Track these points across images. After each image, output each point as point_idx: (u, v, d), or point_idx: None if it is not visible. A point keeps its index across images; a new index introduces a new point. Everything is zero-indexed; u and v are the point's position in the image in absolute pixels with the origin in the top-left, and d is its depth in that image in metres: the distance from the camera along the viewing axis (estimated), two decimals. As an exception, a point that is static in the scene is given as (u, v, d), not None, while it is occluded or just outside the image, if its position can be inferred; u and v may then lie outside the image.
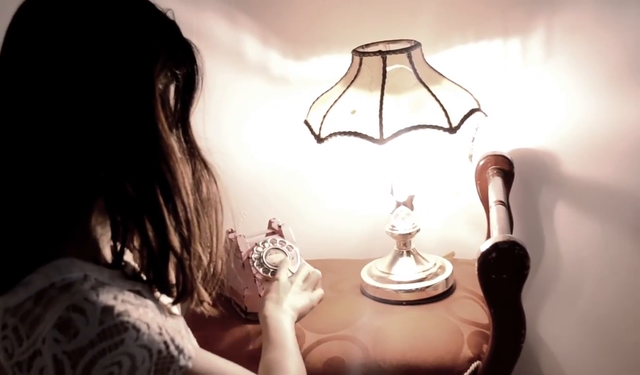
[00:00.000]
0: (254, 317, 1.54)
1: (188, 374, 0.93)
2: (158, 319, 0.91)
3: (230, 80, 1.81)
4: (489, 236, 1.68)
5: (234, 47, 1.82)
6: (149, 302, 0.94)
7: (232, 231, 1.59)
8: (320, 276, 1.54)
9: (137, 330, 0.87)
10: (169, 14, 0.99)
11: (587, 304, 1.80)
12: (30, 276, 0.90)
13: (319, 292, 1.49)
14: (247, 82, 1.84)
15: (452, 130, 1.41)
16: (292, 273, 1.50)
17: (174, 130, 0.99)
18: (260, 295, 1.53)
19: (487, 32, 1.71)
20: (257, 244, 1.61)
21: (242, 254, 1.58)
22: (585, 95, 1.65)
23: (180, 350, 0.92)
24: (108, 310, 0.86)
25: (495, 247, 1.23)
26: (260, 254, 1.59)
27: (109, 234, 1.00)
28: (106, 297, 0.88)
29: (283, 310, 1.36)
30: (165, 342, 0.90)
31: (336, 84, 1.56)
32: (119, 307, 0.87)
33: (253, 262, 1.57)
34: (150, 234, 0.93)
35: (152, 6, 0.97)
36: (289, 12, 1.80)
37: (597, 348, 1.82)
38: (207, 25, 1.78)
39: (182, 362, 0.92)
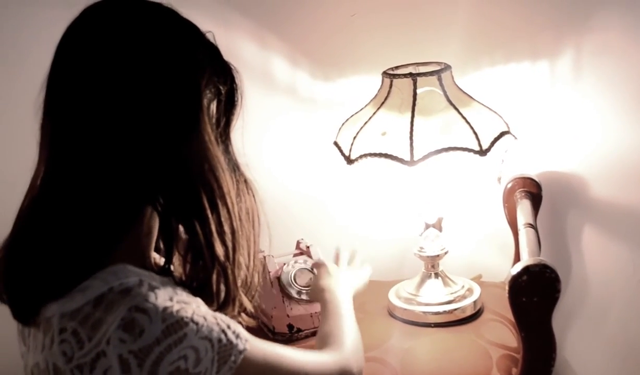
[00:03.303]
0: (282, 336, 1.55)
1: (247, 358, 0.95)
2: (211, 311, 0.94)
3: (259, 100, 1.82)
4: (516, 259, 1.68)
5: (263, 68, 1.83)
6: (199, 299, 0.96)
7: (261, 251, 1.60)
8: (356, 253, 1.59)
9: (197, 323, 0.90)
10: (209, 36, 1.02)
11: (615, 329, 1.79)
12: (87, 282, 0.93)
13: (368, 269, 1.54)
14: (276, 103, 1.86)
15: (482, 152, 1.41)
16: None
17: (218, 145, 1.02)
18: (288, 316, 1.54)
19: (516, 54, 1.72)
20: (285, 265, 1.62)
21: (271, 274, 1.59)
22: (615, 118, 1.64)
23: (237, 335, 0.94)
24: (168, 309, 0.89)
25: (526, 270, 1.23)
26: (288, 275, 1.59)
27: (153, 244, 1.04)
28: (164, 299, 0.90)
29: (339, 284, 1.40)
30: (223, 331, 0.92)
31: (366, 105, 1.57)
32: (176, 305, 0.90)
33: (281, 282, 1.58)
34: (198, 239, 0.96)
35: (196, 27, 1.01)
36: (318, 34, 1.81)
37: (625, 372, 1.81)
38: (237, 46, 1.79)
39: (241, 346, 0.94)
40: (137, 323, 0.87)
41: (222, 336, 0.92)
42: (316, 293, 1.41)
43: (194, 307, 0.91)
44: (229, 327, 0.94)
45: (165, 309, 0.89)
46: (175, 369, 0.88)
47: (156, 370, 0.87)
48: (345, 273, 1.48)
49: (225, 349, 0.92)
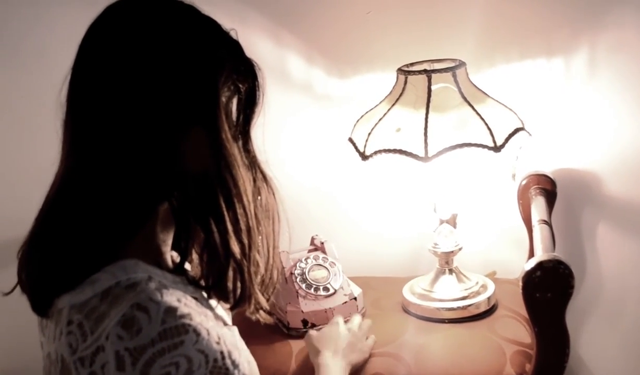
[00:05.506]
0: (297, 332, 1.56)
1: None
2: (218, 329, 0.93)
3: (275, 98, 1.82)
4: (530, 255, 1.67)
5: (279, 65, 1.84)
6: (208, 312, 0.96)
7: (276, 247, 1.61)
8: (371, 325, 1.54)
9: (197, 334, 0.88)
10: (232, 33, 1.03)
11: (630, 326, 1.79)
12: (97, 275, 0.94)
13: (372, 339, 1.50)
14: (292, 100, 1.86)
15: (496, 148, 1.41)
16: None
17: (236, 142, 1.02)
18: (302, 311, 1.55)
19: (530, 51, 1.72)
20: (300, 260, 1.63)
21: (285, 269, 1.60)
22: (630, 115, 1.64)
23: (236, 366, 0.93)
24: (171, 311, 0.88)
25: (540, 265, 1.23)
26: (303, 270, 1.60)
27: (170, 241, 1.04)
28: (170, 299, 0.90)
29: (337, 361, 1.38)
30: (222, 352, 0.91)
31: (381, 102, 1.57)
32: (182, 309, 0.89)
33: (296, 278, 1.59)
34: (213, 237, 0.96)
35: (217, 24, 1.01)
36: (334, 32, 1.82)
37: (639, 370, 1.80)
38: (253, 44, 1.78)
39: None
40: (136, 321, 0.87)
41: (219, 357, 0.90)
42: (312, 350, 1.41)
43: (202, 318, 0.91)
44: (230, 353, 0.92)
45: (168, 310, 0.88)
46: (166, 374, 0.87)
47: (148, 371, 0.86)
48: (350, 346, 1.43)
49: (219, 371, 0.91)
